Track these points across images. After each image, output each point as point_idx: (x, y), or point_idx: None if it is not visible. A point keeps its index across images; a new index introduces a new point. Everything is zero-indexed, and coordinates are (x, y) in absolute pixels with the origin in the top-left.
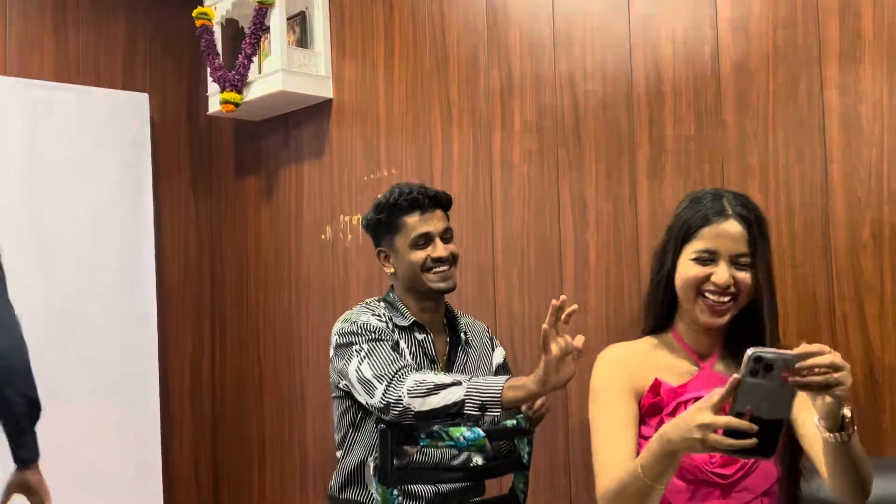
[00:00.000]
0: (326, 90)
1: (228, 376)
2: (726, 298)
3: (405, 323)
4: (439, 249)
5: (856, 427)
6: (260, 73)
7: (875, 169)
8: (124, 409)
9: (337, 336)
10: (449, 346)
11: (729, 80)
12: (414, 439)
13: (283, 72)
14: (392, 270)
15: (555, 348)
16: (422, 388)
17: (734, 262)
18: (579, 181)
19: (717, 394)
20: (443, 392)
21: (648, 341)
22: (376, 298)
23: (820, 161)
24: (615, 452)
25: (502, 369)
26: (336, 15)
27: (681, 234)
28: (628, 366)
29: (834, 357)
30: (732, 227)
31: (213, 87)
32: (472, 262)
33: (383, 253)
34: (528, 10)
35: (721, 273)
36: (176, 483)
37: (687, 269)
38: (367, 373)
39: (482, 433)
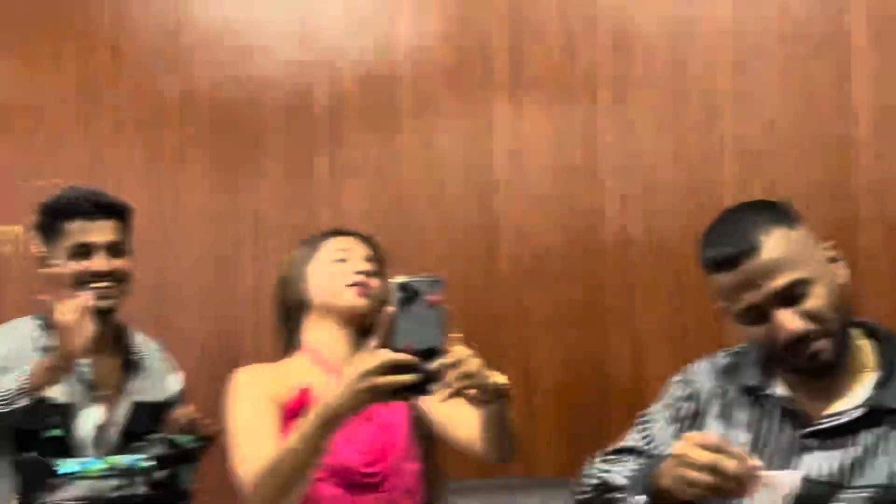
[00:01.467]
0: None
1: None
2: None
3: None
4: (98, 263)
5: (509, 391)
6: None
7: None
8: None
9: None
10: (122, 370)
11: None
12: (52, 473)
13: None
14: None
15: (63, 313)
16: None
17: None
18: (258, 197)
19: (373, 342)
20: None
21: (284, 362)
22: (35, 316)
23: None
24: (260, 442)
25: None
26: None
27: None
28: (265, 378)
29: (458, 354)
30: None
31: None
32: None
33: (42, 259)
34: (212, 19)
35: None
36: None
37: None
38: None
39: (142, 459)
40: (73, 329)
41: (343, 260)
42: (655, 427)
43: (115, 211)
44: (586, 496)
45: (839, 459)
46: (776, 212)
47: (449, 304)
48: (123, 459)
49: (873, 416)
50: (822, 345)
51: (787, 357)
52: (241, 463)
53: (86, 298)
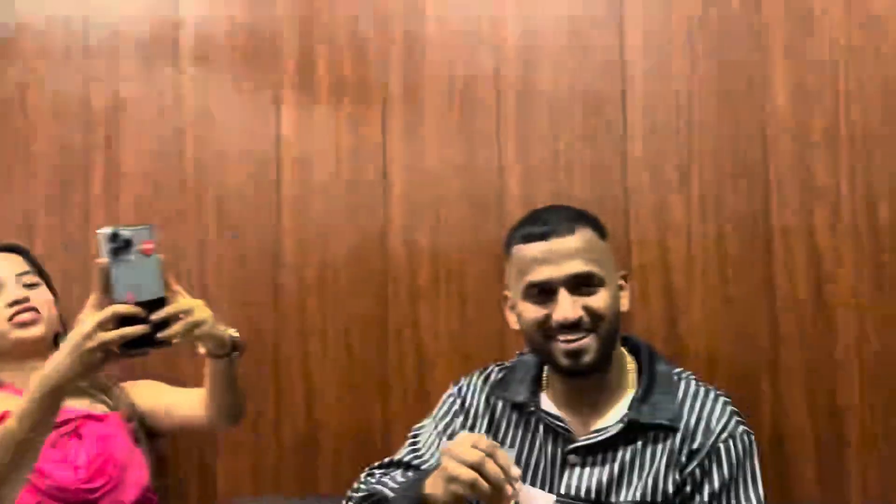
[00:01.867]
0: None
1: None
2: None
3: None
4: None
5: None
6: None
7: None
8: None
9: None
10: None
11: None
12: None
13: None
14: None
15: None
16: None
17: None
18: (24, 204)
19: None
20: None
21: None
22: None
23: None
24: None
25: None
26: None
27: None
28: None
29: (183, 304)
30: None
31: None
32: None
33: None
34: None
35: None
36: None
37: None
38: None
39: None
40: None
41: None
42: (425, 440)
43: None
44: None
45: (601, 476)
46: (591, 219)
47: (163, 253)
48: None
49: (631, 431)
50: (589, 343)
51: (553, 347)
52: None
53: None
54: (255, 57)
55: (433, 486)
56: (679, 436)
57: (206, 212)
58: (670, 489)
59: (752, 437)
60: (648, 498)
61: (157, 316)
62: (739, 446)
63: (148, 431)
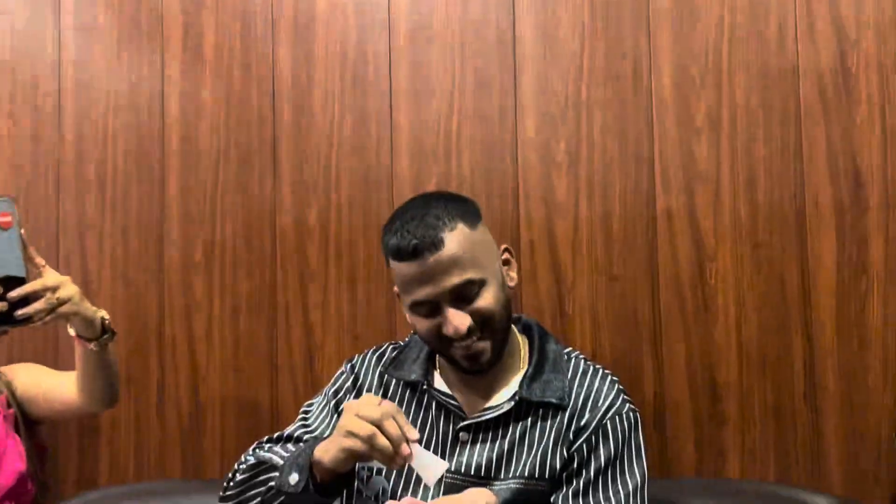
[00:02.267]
0: None
1: None
2: None
3: None
4: None
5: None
6: None
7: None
8: None
9: None
10: None
11: None
12: None
13: None
14: None
15: None
16: None
17: None
18: None
19: None
20: None
21: None
22: None
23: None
24: None
25: None
26: None
27: None
28: None
29: (46, 280)
30: None
31: None
32: None
33: None
34: None
35: None
36: None
37: None
38: None
39: None
40: None
41: None
42: (315, 415)
43: None
44: (242, 476)
45: (490, 453)
46: (462, 207)
47: (29, 227)
48: None
49: (521, 409)
50: (484, 346)
51: (450, 352)
52: None
53: None
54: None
55: (324, 451)
56: (567, 413)
57: (86, 185)
58: (557, 465)
59: (637, 415)
60: (536, 474)
61: (15, 293)
62: (625, 423)
63: (27, 418)
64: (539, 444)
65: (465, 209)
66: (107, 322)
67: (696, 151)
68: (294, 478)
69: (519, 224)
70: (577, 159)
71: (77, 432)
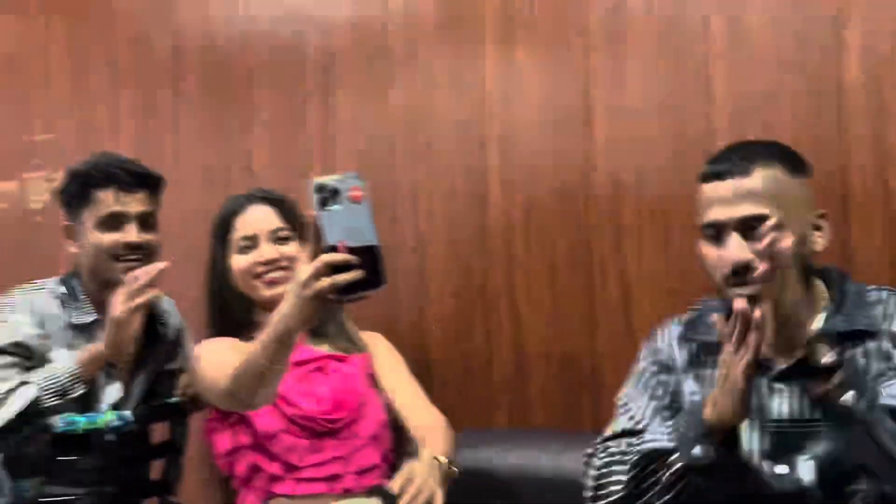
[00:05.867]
0: None
1: None
2: (277, 273)
3: (86, 319)
4: (131, 235)
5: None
6: None
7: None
8: None
9: None
10: (144, 344)
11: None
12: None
13: None
14: (76, 251)
15: (116, 307)
16: None
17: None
18: (248, 153)
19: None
20: (10, 399)
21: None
22: (56, 280)
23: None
24: (227, 358)
25: None
26: None
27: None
28: (228, 341)
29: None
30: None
31: None
32: None
33: (69, 229)
34: None
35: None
36: None
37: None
38: None
39: (131, 417)
40: (124, 323)
41: (248, 247)
42: (637, 409)
43: (148, 181)
44: (636, 469)
45: (802, 397)
46: (784, 155)
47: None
48: (113, 420)
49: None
50: (756, 290)
51: (728, 286)
52: (213, 371)
53: (139, 294)
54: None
55: (714, 406)
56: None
57: (418, 156)
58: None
59: None
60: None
61: (373, 267)
62: None
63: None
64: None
65: (787, 157)
66: None
67: None
68: (698, 452)
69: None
70: None
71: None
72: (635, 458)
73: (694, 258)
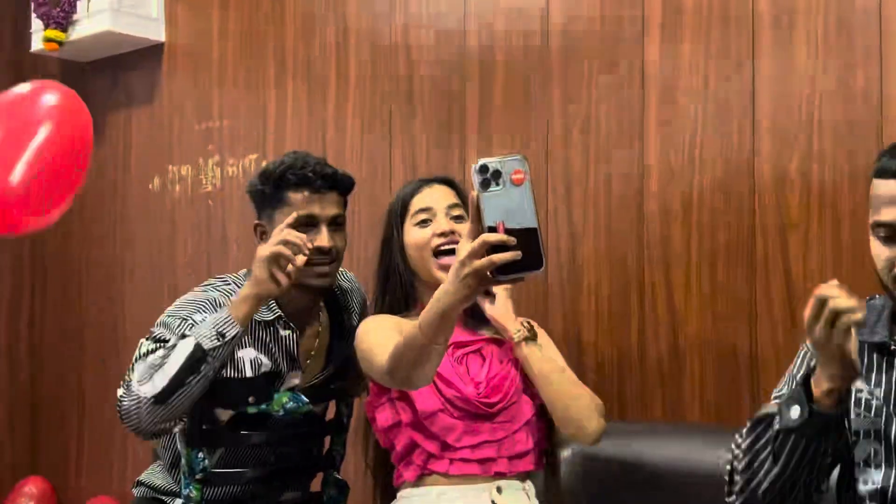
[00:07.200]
0: (158, 33)
1: (48, 336)
2: (449, 258)
3: (269, 316)
4: (322, 238)
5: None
6: (87, 11)
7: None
8: None
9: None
10: (331, 338)
11: (558, 50)
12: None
13: (111, 11)
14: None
15: (263, 250)
16: (148, 370)
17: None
18: (411, 141)
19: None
20: (172, 356)
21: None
22: (245, 272)
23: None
24: (391, 337)
25: None
26: None
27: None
28: (392, 318)
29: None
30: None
31: (37, 24)
32: None
33: (260, 228)
34: None
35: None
36: None
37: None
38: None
39: (305, 399)
40: (268, 264)
41: (426, 221)
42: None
43: (341, 184)
44: (757, 434)
45: None
46: None
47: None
48: (287, 402)
49: None
50: None
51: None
52: (378, 349)
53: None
54: None
55: (820, 375)
56: None
57: (572, 144)
58: None
59: None
60: None
61: (531, 249)
62: None
63: None
64: None
65: None
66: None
67: None
68: (795, 411)
69: None
70: None
71: None
72: (748, 425)
73: (864, 252)
